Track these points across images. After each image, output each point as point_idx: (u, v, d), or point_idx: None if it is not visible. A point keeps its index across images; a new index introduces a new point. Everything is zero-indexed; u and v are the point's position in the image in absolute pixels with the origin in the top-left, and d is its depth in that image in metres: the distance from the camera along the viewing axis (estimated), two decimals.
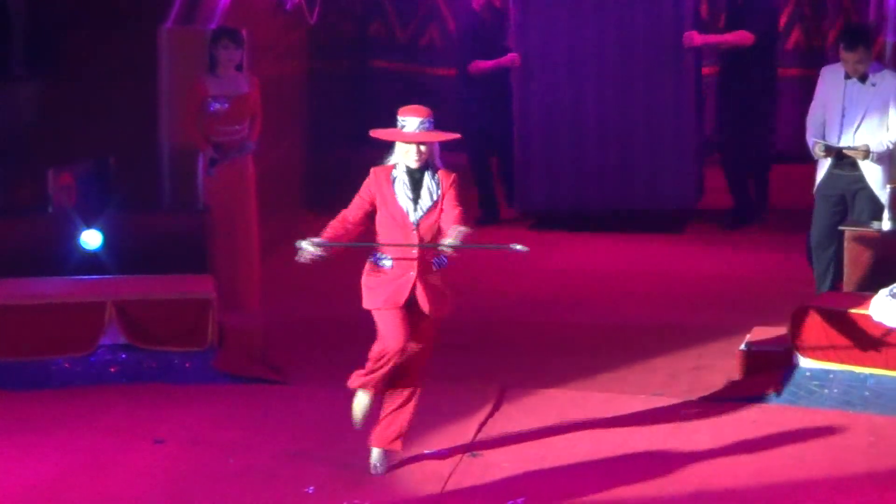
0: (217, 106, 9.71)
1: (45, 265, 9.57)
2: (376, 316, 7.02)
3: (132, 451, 7.68)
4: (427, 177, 6.97)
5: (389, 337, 6.96)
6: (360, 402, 7.13)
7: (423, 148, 6.89)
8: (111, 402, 8.51)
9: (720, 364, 8.94)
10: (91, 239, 9.66)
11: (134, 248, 9.64)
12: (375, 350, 7.05)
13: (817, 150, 9.33)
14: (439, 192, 7.00)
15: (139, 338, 8.98)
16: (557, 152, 11.84)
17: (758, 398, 8.42)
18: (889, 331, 8.29)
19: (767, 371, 8.63)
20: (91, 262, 9.66)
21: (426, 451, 7.48)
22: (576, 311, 10.37)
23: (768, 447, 7.76)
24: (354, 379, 7.10)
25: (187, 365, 8.75)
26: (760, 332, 8.91)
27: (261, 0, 11.52)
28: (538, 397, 8.52)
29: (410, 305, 6.95)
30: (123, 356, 9.02)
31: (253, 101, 9.79)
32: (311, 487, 7.07)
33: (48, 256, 9.65)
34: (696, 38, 11.48)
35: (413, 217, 6.98)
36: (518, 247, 6.89)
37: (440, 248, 6.90)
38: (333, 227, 7.03)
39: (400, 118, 6.95)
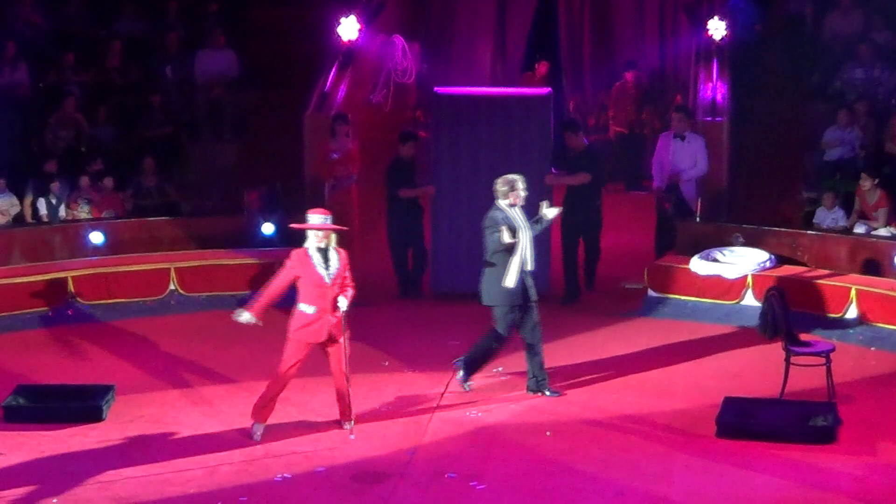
0: (335, 156, 12.38)
1: (244, 243, 12.47)
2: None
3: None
4: (331, 252, 8.07)
5: None
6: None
7: (320, 234, 8.11)
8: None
9: (614, 295, 12.20)
10: (268, 229, 12.36)
11: (292, 233, 9.94)
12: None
13: (668, 184, 12.22)
14: (339, 262, 8.12)
15: None
16: (459, 249, 12.09)
17: (629, 313, 11.73)
18: (701, 277, 11.25)
19: (634, 299, 12.04)
20: (268, 241, 12.34)
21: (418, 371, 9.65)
22: None
23: (641, 337, 10.89)
24: None
25: None
26: (632, 278, 12.36)
27: (359, 97, 13.73)
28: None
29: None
30: None
31: (354, 154, 12.41)
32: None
33: (244, 238, 12.51)
34: (553, 178, 11.96)
35: (327, 279, 8.07)
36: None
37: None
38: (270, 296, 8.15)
39: (308, 215, 8.15)
